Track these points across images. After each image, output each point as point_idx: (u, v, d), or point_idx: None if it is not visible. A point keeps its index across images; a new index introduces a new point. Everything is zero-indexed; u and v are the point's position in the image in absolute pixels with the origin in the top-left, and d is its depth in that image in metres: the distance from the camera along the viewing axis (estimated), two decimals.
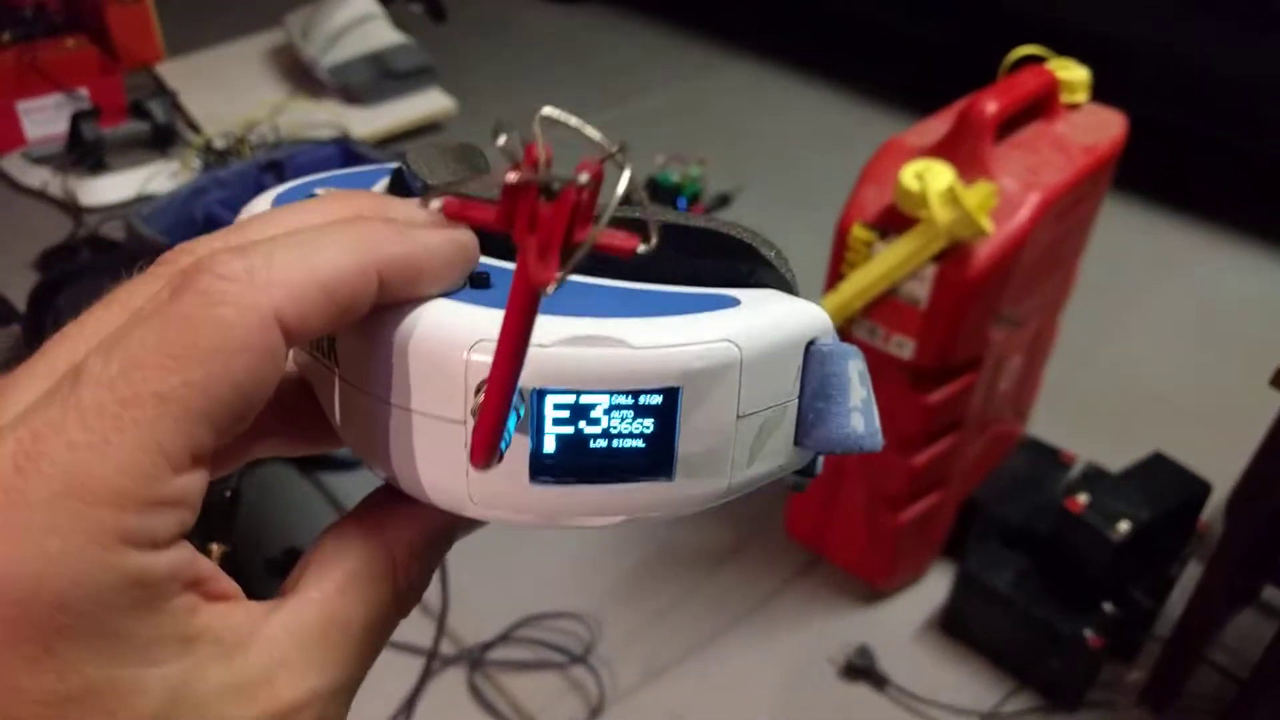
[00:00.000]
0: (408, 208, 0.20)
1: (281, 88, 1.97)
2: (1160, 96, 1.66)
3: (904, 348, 0.88)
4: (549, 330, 0.19)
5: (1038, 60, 0.96)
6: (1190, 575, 1.04)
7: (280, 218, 0.20)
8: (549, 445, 0.19)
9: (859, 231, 0.85)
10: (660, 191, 1.72)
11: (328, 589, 0.19)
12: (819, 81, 2.19)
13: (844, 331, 0.90)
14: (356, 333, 0.20)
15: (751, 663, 0.99)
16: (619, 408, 0.19)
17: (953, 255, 0.82)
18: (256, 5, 2.28)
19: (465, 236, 0.20)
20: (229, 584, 0.18)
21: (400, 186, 0.24)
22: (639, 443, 0.19)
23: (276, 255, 0.17)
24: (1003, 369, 1.00)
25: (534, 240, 0.16)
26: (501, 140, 0.17)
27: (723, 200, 1.72)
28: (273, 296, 0.17)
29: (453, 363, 0.19)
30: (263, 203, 0.24)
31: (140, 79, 2.05)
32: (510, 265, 0.20)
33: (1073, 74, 0.97)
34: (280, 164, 1.52)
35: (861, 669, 0.96)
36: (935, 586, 1.05)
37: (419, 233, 0.19)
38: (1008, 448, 1.13)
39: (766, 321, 0.21)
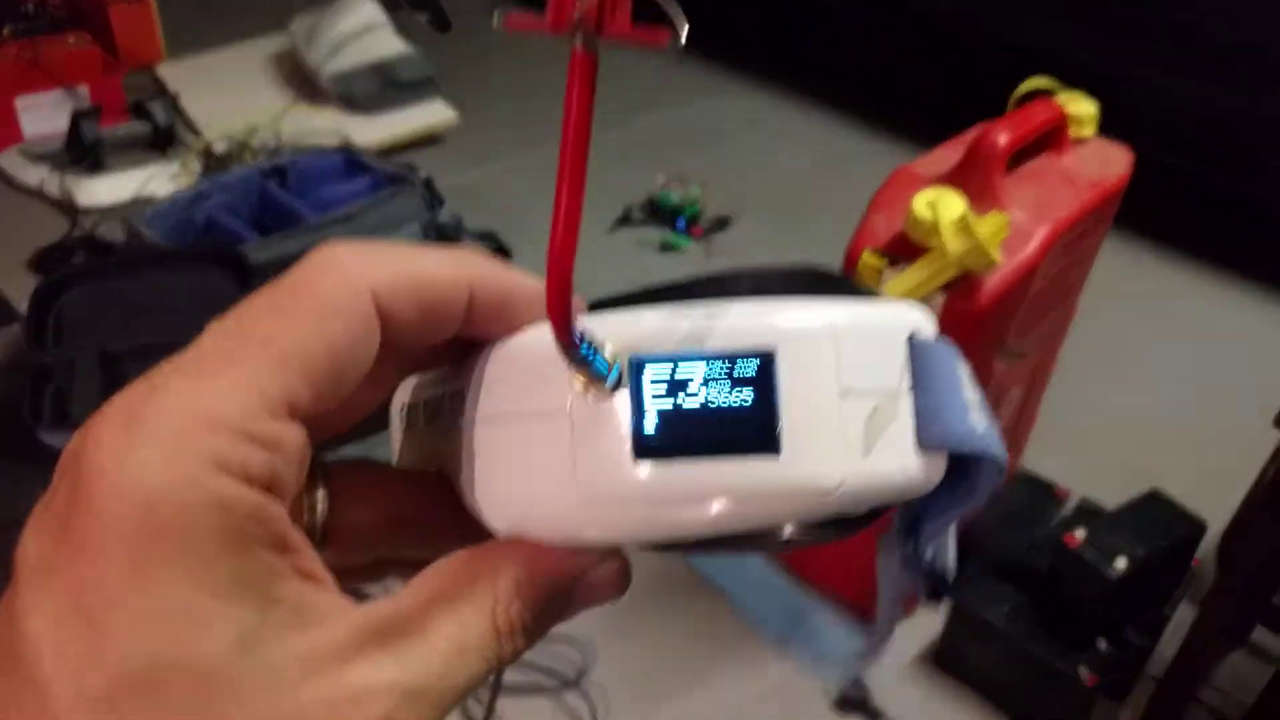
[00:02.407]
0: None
1: (283, 93, 1.96)
2: (1160, 136, 1.68)
3: None
4: (644, 312, 0.19)
5: (1046, 93, 0.97)
6: (1183, 614, 1.04)
7: None
8: (650, 422, 0.19)
9: (868, 258, 0.85)
10: (660, 212, 1.73)
11: (417, 598, 0.19)
12: (821, 108, 2.20)
13: None
14: (467, 373, 0.21)
15: (745, 693, 0.98)
16: (715, 379, 0.19)
17: (961, 285, 0.82)
18: (259, 9, 2.28)
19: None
20: (323, 571, 0.18)
21: None
22: (739, 414, 0.19)
23: (383, 249, 0.20)
24: (1002, 401, 1.00)
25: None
26: None
27: (722, 223, 1.72)
28: (372, 273, 0.19)
29: (548, 347, 0.19)
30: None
31: (140, 79, 2.04)
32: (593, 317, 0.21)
33: (1081, 108, 0.98)
34: (284, 170, 1.52)
35: (855, 702, 0.95)
36: (929, 620, 1.05)
37: (515, 272, 0.21)
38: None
39: (860, 305, 0.21)
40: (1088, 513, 1.03)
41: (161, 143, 1.75)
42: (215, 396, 0.17)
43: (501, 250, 1.52)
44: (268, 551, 0.17)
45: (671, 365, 0.19)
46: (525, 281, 0.21)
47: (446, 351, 0.23)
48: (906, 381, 0.21)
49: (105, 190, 1.64)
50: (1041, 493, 1.10)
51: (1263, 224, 1.73)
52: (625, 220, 1.72)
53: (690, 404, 0.19)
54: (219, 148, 1.72)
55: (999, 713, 0.97)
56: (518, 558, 0.20)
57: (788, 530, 0.21)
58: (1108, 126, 1.01)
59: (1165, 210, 1.78)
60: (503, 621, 0.20)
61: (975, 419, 0.21)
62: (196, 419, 0.17)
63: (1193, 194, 1.84)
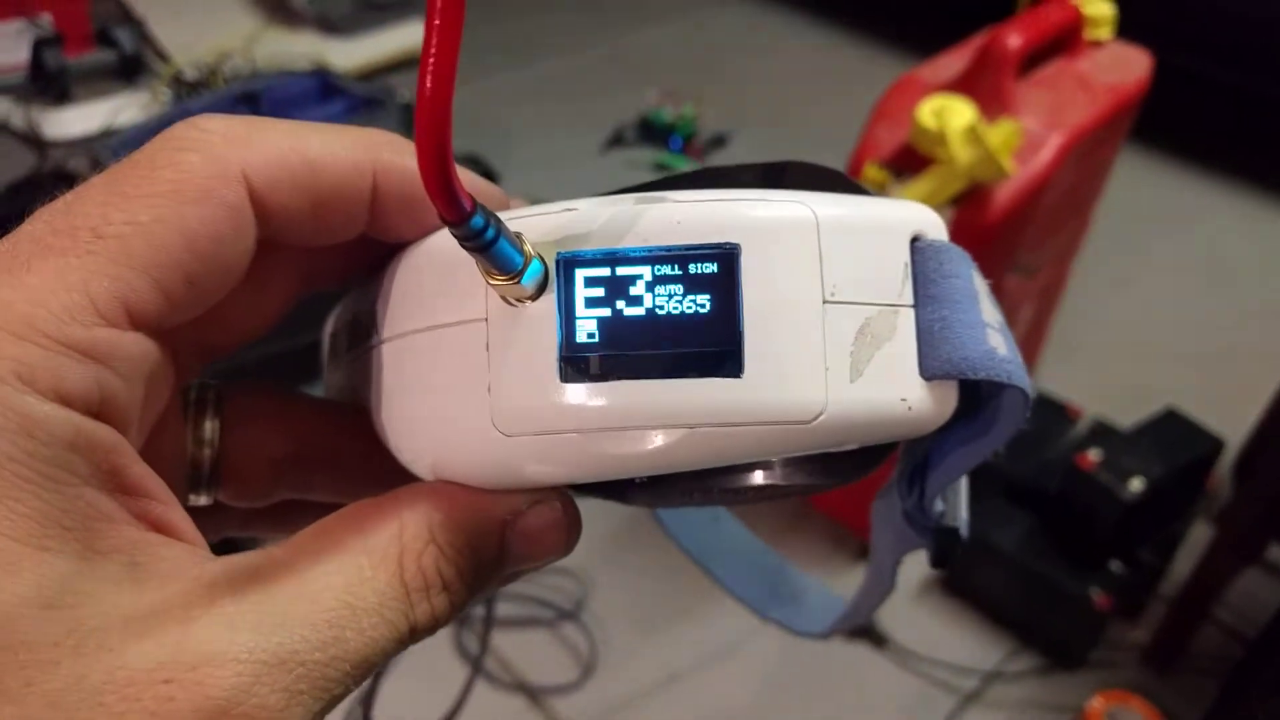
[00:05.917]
0: None
1: (255, 16, 1.88)
2: (1182, 39, 1.60)
3: None
4: (578, 201, 0.16)
5: None
6: (1197, 532, 1.02)
7: None
8: (581, 333, 0.16)
9: (872, 172, 0.80)
10: (653, 131, 1.66)
11: (301, 549, 0.15)
12: (821, 18, 2.12)
13: None
14: (378, 284, 0.18)
15: (747, 621, 0.96)
16: (665, 280, 0.15)
17: (971, 198, 0.78)
18: None
19: (474, 176, 0.18)
20: (183, 521, 0.15)
21: None
22: (694, 325, 0.16)
23: (264, 124, 0.16)
24: (1014, 319, 0.96)
25: None
26: None
27: (718, 141, 1.66)
28: (245, 154, 0.16)
29: (461, 253, 0.15)
30: None
31: (105, 5, 1.95)
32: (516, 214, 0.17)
33: (1097, 8, 0.92)
34: (256, 95, 1.45)
35: (860, 628, 0.93)
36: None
37: None
38: None
39: (849, 200, 0.17)
40: (1102, 433, 1.00)
41: (129, 71, 1.68)
42: (23, 294, 0.14)
43: (488, 175, 1.47)
44: (94, 490, 0.14)
45: (610, 263, 0.15)
46: None
47: (377, 259, 0.19)
48: (908, 292, 0.17)
49: (73, 122, 1.58)
50: (1053, 412, 1.07)
51: None
52: (617, 141, 1.66)
53: (633, 312, 0.15)
54: (189, 75, 1.65)
55: (1008, 636, 0.96)
56: (432, 498, 0.16)
57: (760, 476, 0.18)
58: (1126, 28, 0.96)
59: (1185, 120, 1.71)
60: (412, 574, 0.16)
61: (994, 340, 0.17)
62: None
63: (1214, 102, 1.77)
